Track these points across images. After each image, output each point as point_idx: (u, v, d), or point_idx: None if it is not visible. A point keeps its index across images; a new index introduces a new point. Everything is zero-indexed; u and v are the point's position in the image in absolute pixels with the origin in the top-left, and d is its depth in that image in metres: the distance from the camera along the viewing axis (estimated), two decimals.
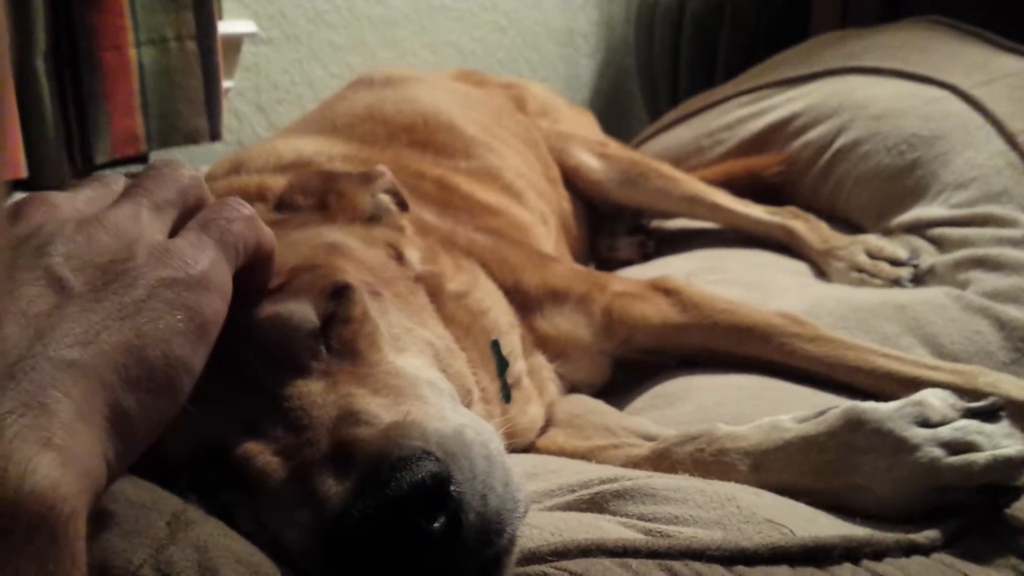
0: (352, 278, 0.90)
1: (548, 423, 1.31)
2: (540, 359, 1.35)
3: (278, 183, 1.30)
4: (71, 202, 0.68)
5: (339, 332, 0.85)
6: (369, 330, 0.87)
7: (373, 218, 1.09)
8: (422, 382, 0.84)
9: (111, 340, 0.59)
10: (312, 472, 0.72)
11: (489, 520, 0.70)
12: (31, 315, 0.58)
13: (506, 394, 1.21)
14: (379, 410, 0.76)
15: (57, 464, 0.52)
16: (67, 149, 2.13)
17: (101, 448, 0.57)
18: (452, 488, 0.69)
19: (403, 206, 1.15)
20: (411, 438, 0.71)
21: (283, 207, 1.07)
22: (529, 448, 1.25)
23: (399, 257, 1.06)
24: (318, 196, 1.07)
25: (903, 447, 0.97)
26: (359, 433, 0.73)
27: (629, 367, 1.45)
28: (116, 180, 0.75)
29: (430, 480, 0.67)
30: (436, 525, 0.67)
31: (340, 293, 0.87)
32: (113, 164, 2.28)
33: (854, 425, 1.00)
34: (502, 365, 1.22)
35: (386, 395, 0.80)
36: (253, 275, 0.77)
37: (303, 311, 0.84)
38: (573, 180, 2.07)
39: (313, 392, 0.79)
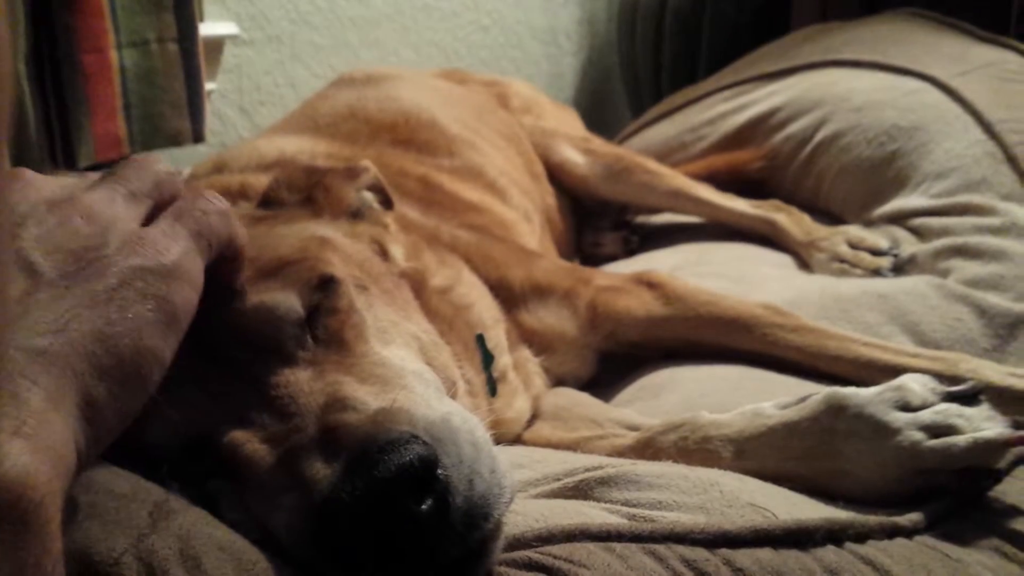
0: (339, 271, 0.91)
1: (534, 416, 1.32)
2: (526, 353, 1.35)
3: (260, 181, 1.30)
4: (47, 183, 0.69)
5: (326, 323, 0.86)
6: (355, 322, 0.87)
7: (357, 214, 1.10)
8: (408, 372, 0.85)
9: (82, 329, 0.59)
10: (300, 457, 0.73)
11: (476, 504, 0.71)
12: (2, 300, 0.58)
13: (492, 387, 1.22)
14: (366, 397, 0.77)
15: (27, 452, 0.52)
16: (50, 153, 2.13)
17: (72, 436, 0.57)
18: (439, 471, 0.70)
19: (387, 204, 1.15)
20: (399, 423, 0.72)
21: (269, 203, 1.08)
22: (516, 441, 1.25)
23: (383, 253, 1.07)
24: (304, 191, 1.08)
25: (884, 431, 0.98)
26: (347, 418, 0.74)
27: (614, 360, 1.46)
28: (94, 174, 0.75)
29: (418, 462, 0.68)
30: (424, 507, 0.68)
31: (327, 285, 0.88)
32: (96, 167, 2.28)
33: (835, 410, 1.01)
34: (487, 359, 1.23)
35: (373, 384, 0.80)
36: (223, 269, 0.78)
37: (289, 301, 0.85)
38: (558, 176, 2.07)
39: (300, 380, 0.80)
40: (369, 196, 1.13)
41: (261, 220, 1.01)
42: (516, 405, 1.26)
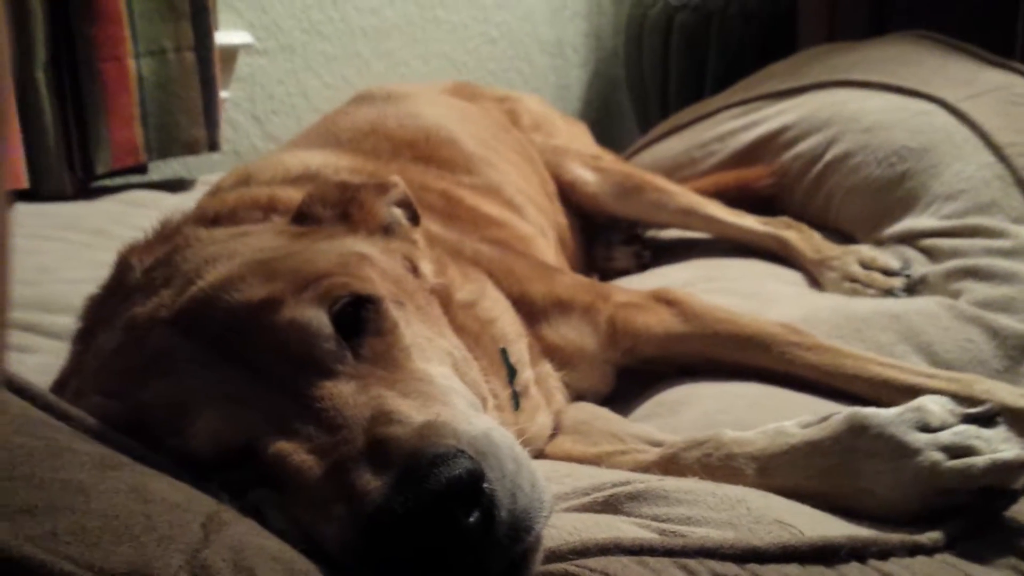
0: (379, 288, 0.93)
1: (556, 430, 1.34)
2: (547, 368, 1.38)
3: (288, 194, 1.32)
4: None
5: (369, 340, 0.88)
6: (397, 339, 0.90)
7: (388, 229, 1.12)
8: (447, 388, 0.87)
9: None
10: (349, 468, 0.75)
11: (519, 518, 0.73)
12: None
13: (515, 401, 1.24)
14: (410, 411, 0.80)
15: None
16: (67, 160, 2.15)
17: None
18: (485, 485, 0.72)
19: (415, 220, 1.18)
20: (444, 437, 0.75)
21: (303, 219, 1.10)
22: (538, 455, 1.27)
23: (414, 270, 1.09)
24: (339, 207, 1.10)
25: (905, 451, 1.00)
26: (394, 431, 0.76)
27: (631, 375, 1.48)
28: None
29: (466, 476, 0.71)
30: (471, 520, 0.70)
31: (369, 303, 0.90)
32: (113, 174, 2.30)
33: (857, 430, 1.03)
34: (511, 373, 1.25)
35: (416, 399, 0.83)
36: None
37: (319, 318, 0.88)
38: (568, 194, 2.10)
39: (344, 393, 0.82)
40: (398, 212, 1.15)
41: (302, 236, 1.04)
42: (539, 419, 1.28)
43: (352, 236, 1.06)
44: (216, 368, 0.87)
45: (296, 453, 0.80)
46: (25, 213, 1.95)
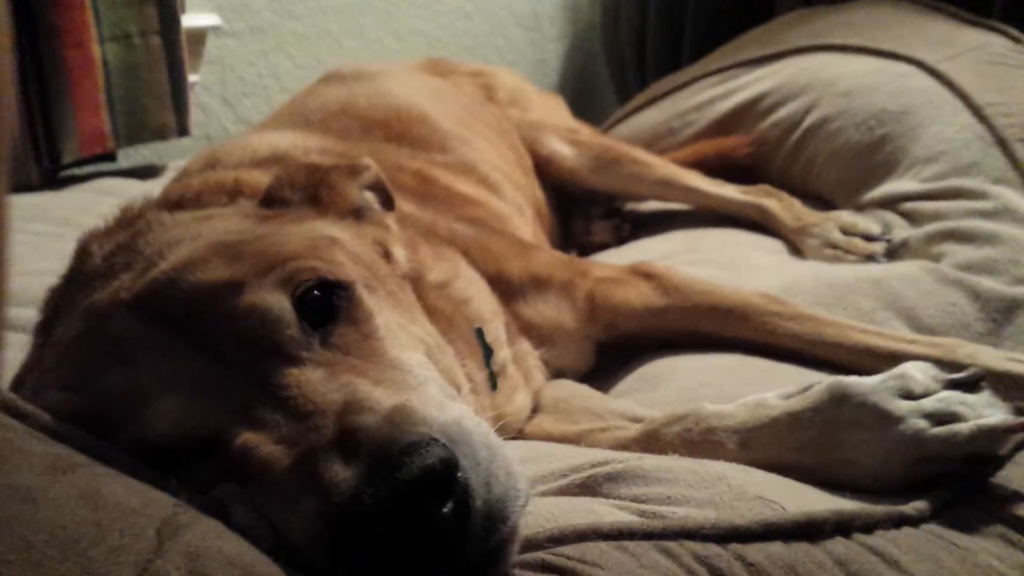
0: (351, 273, 0.91)
1: (535, 409, 1.31)
2: (525, 346, 1.35)
3: (254, 177, 1.29)
4: None
5: (339, 327, 0.86)
6: (368, 326, 0.87)
7: (359, 213, 1.09)
8: (419, 376, 0.85)
9: None
10: (317, 458, 0.72)
11: (494, 508, 0.71)
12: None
13: (492, 382, 1.22)
14: (381, 398, 0.77)
15: None
16: (33, 149, 2.10)
17: None
18: (459, 474, 0.70)
19: (389, 204, 1.15)
20: (415, 424, 0.72)
21: (272, 202, 1.07)
22: (517, 436, 1.25)
23: (386, 255, 1.06)
24: (308, 190, 1.07)
25: (888, 420, 0.99)
26: (364, 419, 0.73)
27: (611, 351, 1.46)
28: None
29: (439, 465, 0.68)
30: (444, 511, 0.68)
31: (340, 289, 0.88)
32: (81, 163, 2.26)
33: (838, 400, 1.01)
34: (487, 353, 1.23)
35: (387, 387, 0.80)
36: None
37: (281, 303, 0.85)
38: (546, 168, 2.07)
39: (312, 381, 0.79)
40: (370, 196, 1.12)
41: (269, 219, 1.01)
42: (517, 400, 1.26)
43: (321, 219, 1.03)
44: (178, 354, 0.84)
45: (263, 444, 0.77)
46: None
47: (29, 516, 0.64)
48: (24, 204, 1.98)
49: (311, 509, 0.71)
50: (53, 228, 1.91)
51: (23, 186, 2.08)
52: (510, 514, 0.73)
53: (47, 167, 2.15)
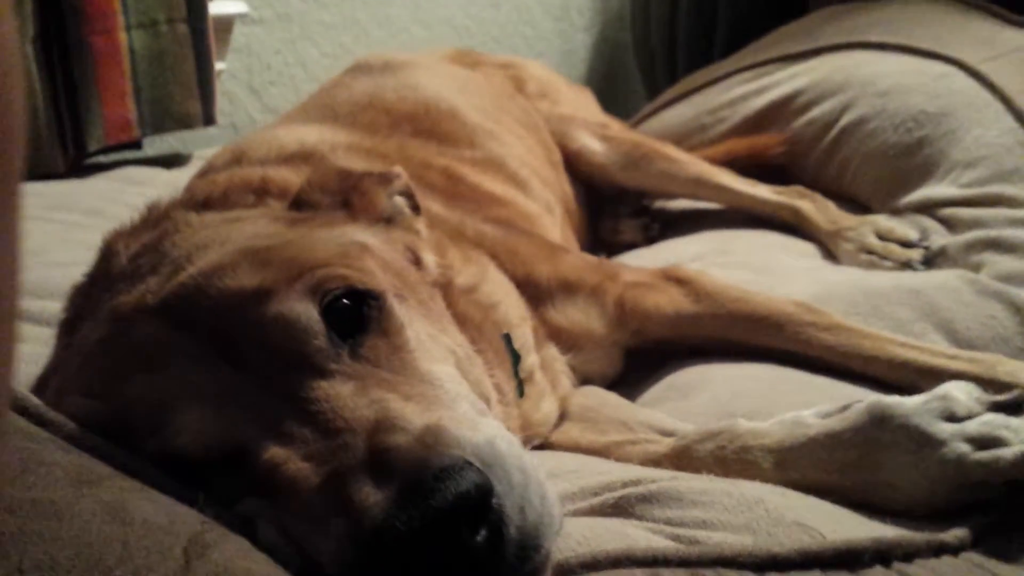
0: (382, 282, 0.89)
1: (562, 417, 1.29)
2: (552, 351, 1.33)
3: (281, 175, 1.27)
4: None
5: (369, 338, 0.84)
6: (399, 338, 0.85)
7: (389, 219, 1.06)
8: (451, 391, 0.82)
9: None
10: (347, 479, 0.70)
11: (528, 534, 0.69)
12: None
13: (519, 389, 1.19)
14: (413, 416, 0.75)
15: None
16: (59, 137, 2.09)
17: None
18: (493, 500, 0.68)
19: (416, 209, 1.12)
20: (448, 446, 0.70)
21: (302, 205, 1.04)
22: (543, 444, 1.23)
23: (416, 261, 1.04)
24: (340, 195, 1.05)
25: (929, 443, 0.96)
26: (396, 439, 0.71)
27: (640, 357, 1.43)
28: None
29: (474, 491, 0.66)
30: (478, 539, 0.66)
31: (371, 299, 0.85)
32: (106, 151, 2.25)
33: (879, 421, 0.98)
34: (514, 359, 1.20)
35: (418, 402, 0.78)
36: None
37: (308, 313, 0.83)
38: (575, 164, 2.04)
39: (342, 395, 0.77)
40: (401, 201, 1.10)
41: (299, 222, 0.98)
42: (544, 407, 1.24)
43: (352, 224, 1.01)
44: (204, 363, 0.82)
45: (291, 461, 0.75)
46: None
47: (54, 532, 0.63)
48: (48, 192, 1.97)
49: (340, 532, 0.69)
50: (77, 217, 1.90)
51: (48, 173, 2.07)
52: (544, 541, 0.71)
53: (72, 154, 2.14)
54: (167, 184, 2.10)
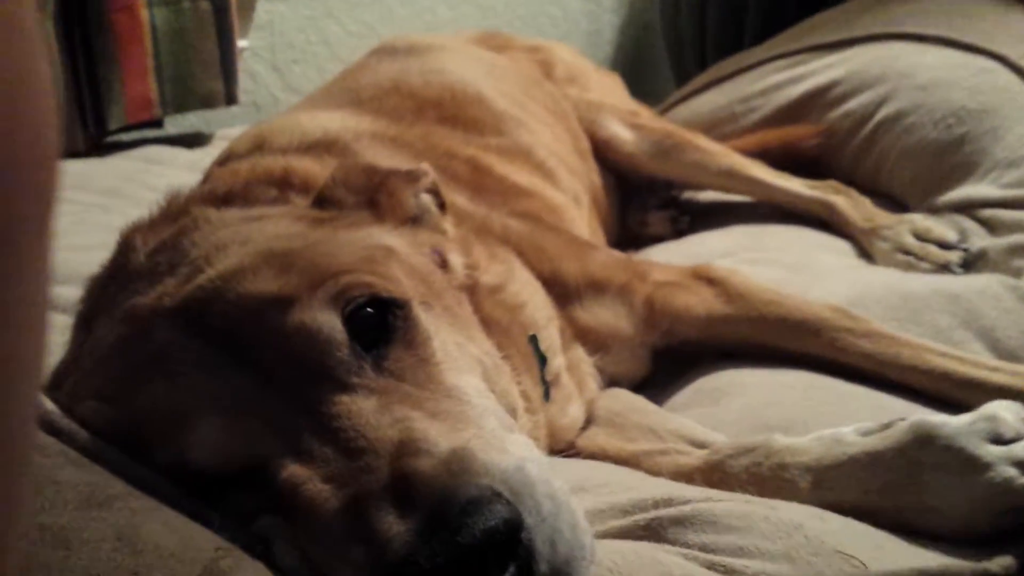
0: (408, 290, 0.85)
1: (588, 420, 1.25)
2: (579, 352, 1.29)
3: (304, 166, 1.23)
4: None
5: (394, 350, 0.80)
6: (425, 350, 0.82)
7: (416, 219, 1.02)
8: (478, 406, 0.79)
9: None
10: (369, 505, 0.67)
11: (558, 570, 0.66)
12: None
13: (545, 392, 1.16)
14: (439, 437, 0.71)
15: None
16: (79, 115, 2.06)
17: None
18: (523, 534, 0.64)
19: (443, 207, 1.08)
20: (476, 474, 0.67)
21: (325, 202, 1.01)
22: (569, 448, 1.19)
23: (443, 263, 1.00)
24: (365, 193, 1.01)
25: (975, 466, 0.92)
26: (420, 464, 0.68)
27: (669, 359, 1.39)
28: None
29: (503, 527, 0.63)
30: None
31: (396, 308, 0.82)
32: (127, 129, 2.22)
33: (923, 441, 0.94)
34: (540, 361, 1.17)
35: (443, 420, 0.75)
36: None
37: (332, 323, 0.79)
38: (603, 152, 1.99)
39: (365, 411, 0.74)
40: (428, 200, 1.06)
41: (323, 222, 0.94)
42: (570, 411, 1.20)
43: (378, 226, 0.97)
44: (221, 372, 0.79)
45: (310, 481, 0.72)
46: None
47: (62, 562, 0.60)
48: (68, 171, 1.94)
49: (360, 561, 0.66)
50: (96, 198, 1.87)
51: (68, 152, 2.04)
52: (575, 575, 0.67)
53: (93, 133, 2.11)
54: (187, 164, 2.08)
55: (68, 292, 1.37)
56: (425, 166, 1.08)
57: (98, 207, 1.82)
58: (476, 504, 0.63)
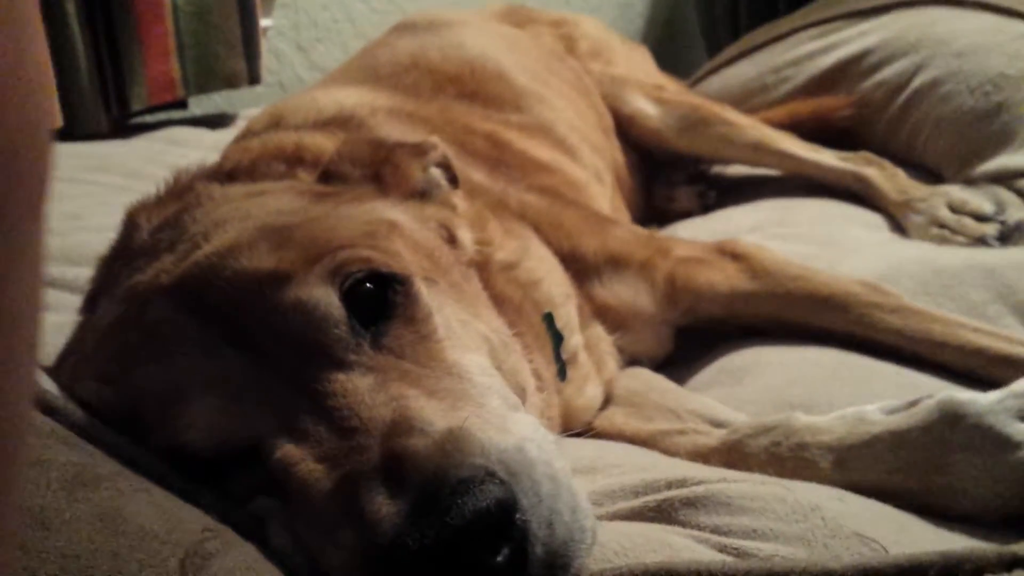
0: (409, 265, 0.82)
1: (606, 401, 1.22)
2: (598, 330, 1.25)
3: (316, 143, 1.21)
4: None
5: (394, 326, 0.78)
6: (425, 325, 0.79)
7: (423, 194, 1.00)
8: (480, 385, 0.76)
9: None
10: (360, 486, 0.65)
11: (556, 552, 0.64)
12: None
13: (561, 371, 1.13)
14: (434, 416, 0.69)
15: None
16: (102, 96, 2.06)
17: None
18: (517, 516, 0.62)
19: (454, 181, 1.05)
20: (470, 454, 0.65)
21: (330, 177, 0.98)
22: (586, 429, 1.16)
23: (451, 239, 0.97)
24: (370, 167, 0.98)
25: (1005, 445, 0.88)
26: (413, 444, 0.66)
27: (691, 336, 1.35)
28: None
29: (495, 508, 0.61)
30: (500, 559, 0.61)
31: (397, 283, 0.80)
32: (151, 111, 2.21)
33: (950, 419, 0.91)
34: (556, 340, 1.14)
35: (442, 398, 0.72)
36: None
37: (329, 299, 0.77)
38: (628, 128, 1.95)
39: (360, 389, 0.72)
40: (437, 173, 1.03)
41: (325, 197, 0.92)
42: (587, 391, 1.17)
43: (382, 199, 0.94)
44: (217, 351, 0.77)
45: (304, 461, 0.70)
46: (57, 154, 1.87)
47: (39, 543, 0.58)
48: (89, 153, 1.95)
49: (350, 543, 0.64)
50: (118, 180, 1.87)
51: (92, 134, 2.04)
52: (574, 558, 0.65)
53: (116, 114, 2.10)
54: (211, 146, 2.06)
55: (86, 274, 1.37)
56: (434, 139, 1.05)
57: (119, 188, 1.81)
58: (467, 484, 0.61)
